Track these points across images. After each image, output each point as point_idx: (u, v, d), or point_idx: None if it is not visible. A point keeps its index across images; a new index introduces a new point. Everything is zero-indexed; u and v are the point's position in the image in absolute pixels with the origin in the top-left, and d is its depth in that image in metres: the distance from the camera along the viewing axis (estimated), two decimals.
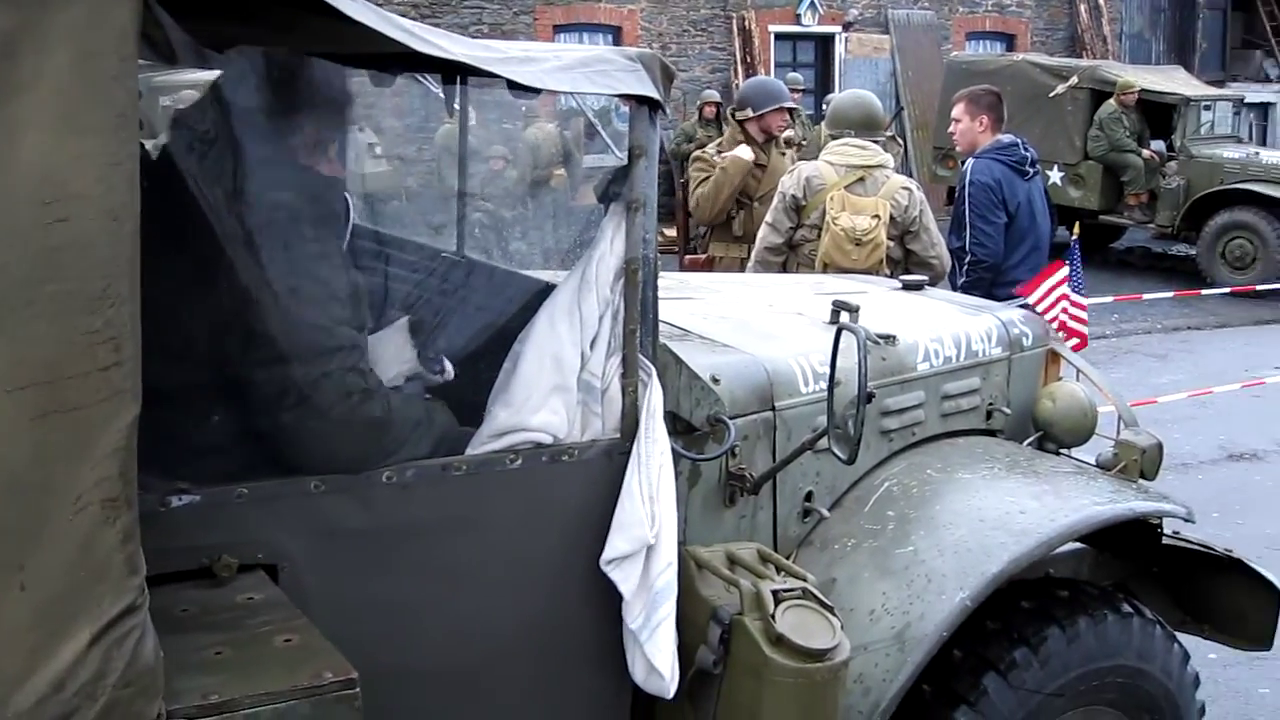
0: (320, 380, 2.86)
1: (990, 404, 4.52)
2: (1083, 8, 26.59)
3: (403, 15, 2.81)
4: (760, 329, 4.10)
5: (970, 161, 7.59)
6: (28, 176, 1.91)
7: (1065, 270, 5.69)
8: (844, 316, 3.64)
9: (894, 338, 4.15)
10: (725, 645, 3.17)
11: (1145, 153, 18.79)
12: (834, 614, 3.19)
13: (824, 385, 3.50)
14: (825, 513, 3.87)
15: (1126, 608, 4.01)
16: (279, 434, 2.90)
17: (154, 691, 2.14)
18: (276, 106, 2.90)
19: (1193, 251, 18.91)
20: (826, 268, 6.71)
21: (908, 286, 5.09)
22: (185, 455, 2.76)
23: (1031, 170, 7.62)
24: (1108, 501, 3.92)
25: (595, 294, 3.23)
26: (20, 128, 1.90)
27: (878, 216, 6.83)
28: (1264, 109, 29.83)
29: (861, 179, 6.98)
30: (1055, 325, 5.18)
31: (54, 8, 1.91)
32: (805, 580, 3.28)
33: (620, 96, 3.20)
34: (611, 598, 3.21)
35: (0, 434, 1.94)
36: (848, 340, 3.34)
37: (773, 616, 3.09)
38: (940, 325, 4.45)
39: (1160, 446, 4.49)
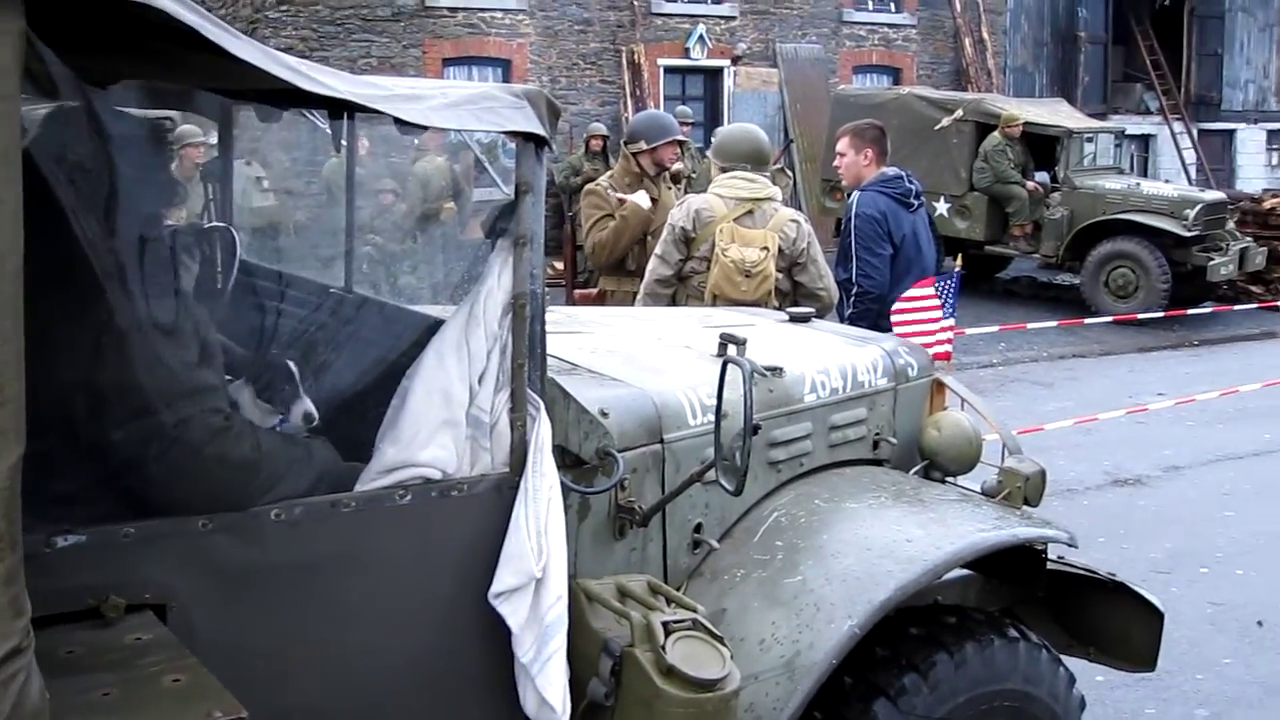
0: (182, 425, 2.83)
1: (877, 434, 4.57)
2: (967, 42, 27.00)
3: (291, 47, 2.82)
4: (649, 362, 4.12)
5: (856, 194, 7.67)
6: None
7: (932, 289, 5.80)
8: (731, 349, 3.68)
9: (781, 370, 4.19)
10: (616, 677, 3.18)
11: (1029, 184, 19.09)
12: (724, 644, 3.22)
13: (712, 418, 3.53)
14: (715, 544, 3.89)
15: (1013, 632, 4.06)
16: (152, 479, 2.86)
17: None
18: (120, 152, 2.82)
19: (1077, 281, 19.22)
20: (716, 299, 6.74)
21: (795, 319, 5.13)
22: (67, 499, 2.73)
23: (916, 202, 7.72)
24: (992, 528, 3.98)
25: (483, 329, 3.24)
26: None
27: (766, 248, 6.88)
28: (1144, 141, 30.48)
29: (750, 211, 7.02)
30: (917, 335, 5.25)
31: None
32: (695, 611, 3.30)
33: (507, 133, 3.22)
34: (502, 631, 3.20)
35: None
36: (734, 373, 3.37)
37: (663, 648, 3.11)
38: (826, 357, 4.50)
39: (1043, 473, 4.57)
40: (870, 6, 26.40)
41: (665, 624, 3.17)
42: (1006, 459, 4.68)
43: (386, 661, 3.17)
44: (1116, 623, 4.62)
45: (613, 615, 3.28)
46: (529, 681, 3.19)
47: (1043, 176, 19.56)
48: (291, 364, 3.44)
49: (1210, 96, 31.88)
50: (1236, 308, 18.29)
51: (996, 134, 18.91)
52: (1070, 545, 4.23)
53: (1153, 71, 31.00)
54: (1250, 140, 33.09)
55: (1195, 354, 16.94)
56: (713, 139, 7.55)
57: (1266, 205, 21.25)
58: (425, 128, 3.09)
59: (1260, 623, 7.44)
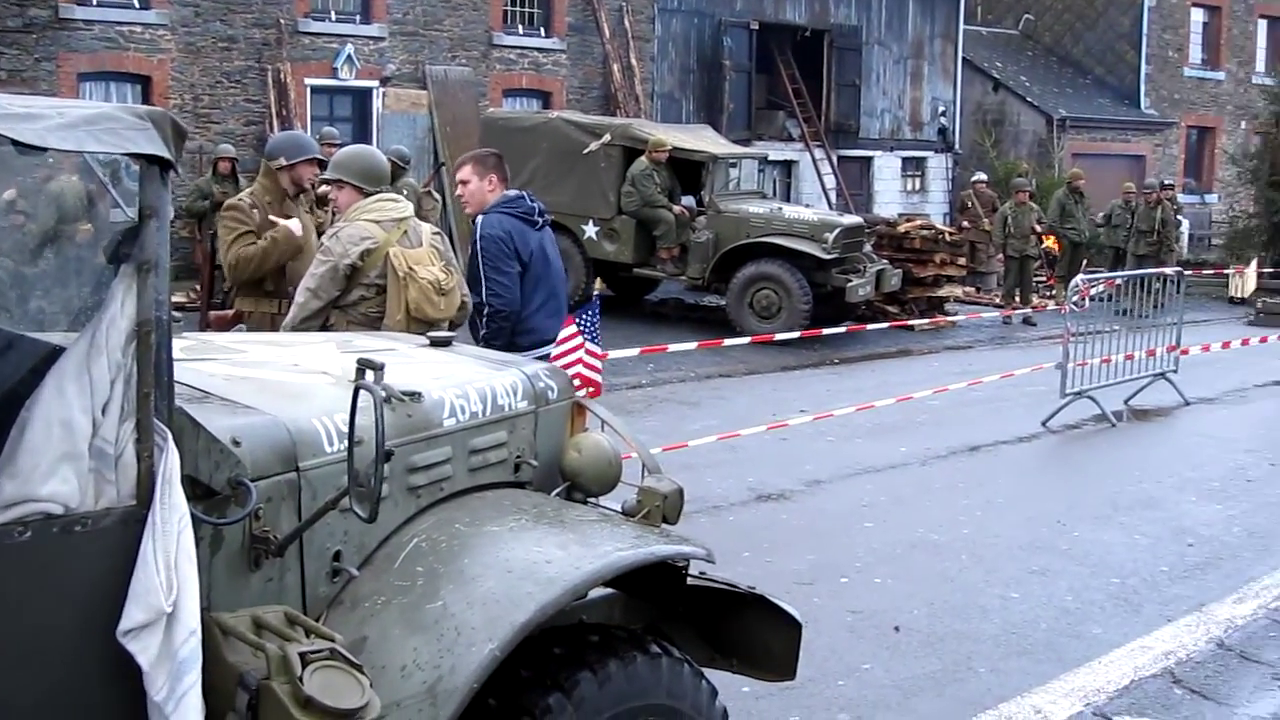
0: None
1: (518, 457, 4.57)
2: (616, 67, 27.43)
3: None
4: (284, 389, 4.04)
5: (481, 218, 7.78)
6: None
7: (574, 328, 5.90)
8: (368, 375, 3.66)
9: (419, 395, 4.16)
10: (254, 711, 3.12)
11: (676, 208, 19.49)
12: (363, 673, 3.19)
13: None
14: (354, 571, 3.84)
15: (655, 648, 4.12)
16: None
17: None
18: None
19: (723, 302, 19.69)
20: (414, 320, 6.72)
21: (435, 343, 5.11)
22: None
23: (540, 220, 7.89)
24: (630, 547, 4.02)
25: (106, 357, 3.13)
26: None
27: (447, 265, 7.01)
28: (787, 166, 31.48)
29: (405, 232, 7.03)
30: (574, 376, 5.31)
31: None
32: (333, 641, 3.26)
33: (130, 156, 3.13)
34: (135, 669, 3.10)
35: None
36: (366, 398, 3.35)
37: (300, 679, 3.06)
38: (466, 381, 4.49)
39: (681, 491, 4.65)
40: (520, 31, 26.59)
41: (302, 655, 3.12)
42: (645, 478, 4.75)
43: (12, 704, 3.04)
44: (758, 634, 4.71)
45: (249, 648, 3.21)
46: None
47: (689, 200, 20.01)
48: None
49: (849, 125, 33.07)
50: (871, 327, 18.99)
51: (644, 159, 19.26)
52: (708, 561, 4.32)
53: (794, 100, 32.01)
54: (886, 167, 34.54)
55: (835, 372, 17.56)
56: (340, 165, 7.39)
57: (901, 229, 22.25)
58: (42, 149, 2.98)
59: (897, 628, 7.73)
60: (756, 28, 30.83)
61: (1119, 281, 17.31)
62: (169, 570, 3.09)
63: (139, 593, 3.08)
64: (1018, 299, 23.36)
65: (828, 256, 18.87)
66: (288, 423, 3.71)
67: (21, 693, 3.06)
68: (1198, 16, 42.77)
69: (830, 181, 31.63)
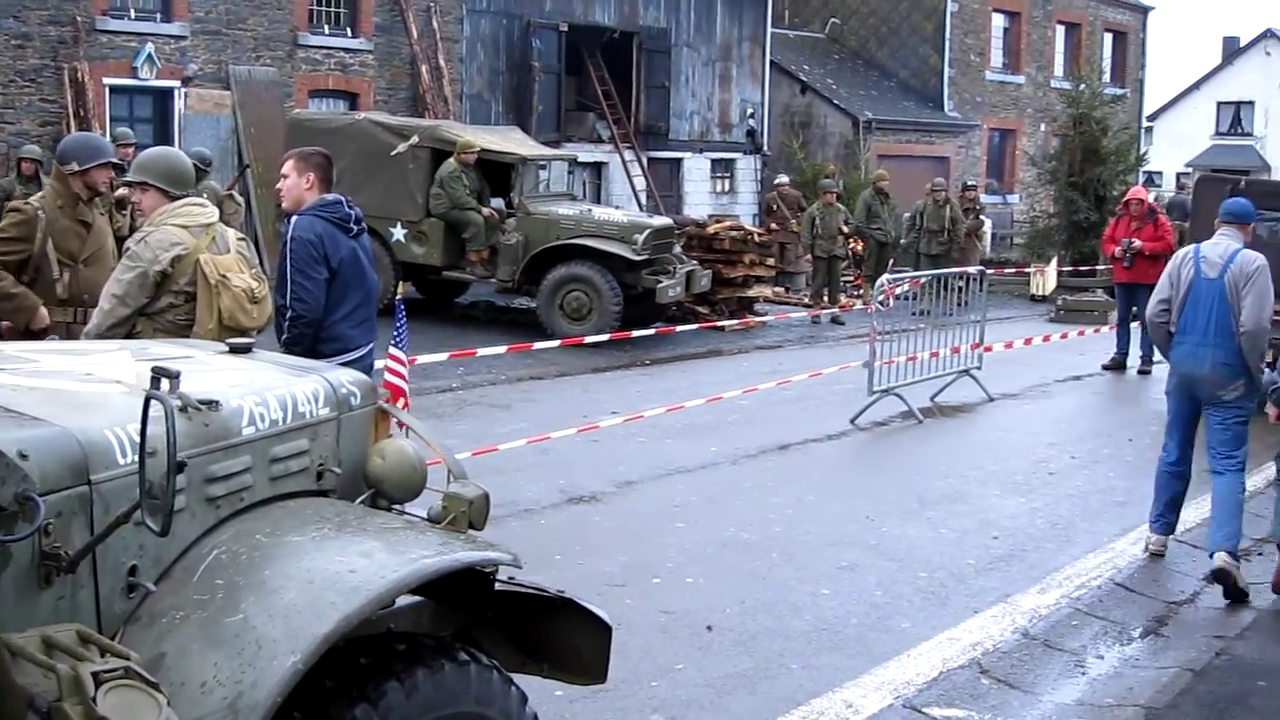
0: None
1: (321, 465, 4.49)
2: (424, 69, 27.23)
3: None
4: (75, 399, 3.91)
5: (294, 218, 7.67)
6: None
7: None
8: (163, 384, 3.55)
9: (216, 403, 4.06)
10: None
11: (485, 210, 19.42)
12: (160, 691, 3.10)
13: None
14: (151, 586, 3.74)
15: (463, 656, 4.09)
16: None
17: None
18: None
19: (534, 304, 19.68)
20: (226, 329, 6.59)
21: (235, 349, 5.00)
22: None
23: (356, 227, 7.78)
24: (435, 554, 3.98)
25: None
26: None
27: (256, 271, 6.92)
28: (597, 168, 31.55)
29: (213, 238, 6.90)
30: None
31: None
32: (129, 659, 3.17)
33: None
34: None
35: None
36: (159, 408, 3.26)
37: (94, 700, 2.97)
38: (266, 388, 4.39)
39: (486, 496, 4.61)
40: (326, 30, 26.24)
41: (95, 674, 3.03)
42: (450, 484, 4.71)
43: None
44: (568, 638, 4.71)
45: (39, 669, 3.10)
46: None
47: (498, 202, 19.97)
48: None
49: (658, 126, 33.22)
50: (682, 328, 19.11)
51: (452, 160, 19.16)
52: (515, 566, 4.30)
53: (604, 101, 32.07)
54: (696, 168, 34.78)
55: (646, 373, 17.63)
56: (143, 167, 7.19)
57: (711, 230, 22.46)
58: None
59: (710, 627, 7.78)
60: (565, 29, 30.80)
61: (924, 280, 17.64)
62: None
63: None
64: (825, 299, 23.72)
65: (638, 258, 18.97)
66: (78, 434, 3.60)
67: None
68: (998, 22, 43.89)
69: (640, 183, 31.75)
